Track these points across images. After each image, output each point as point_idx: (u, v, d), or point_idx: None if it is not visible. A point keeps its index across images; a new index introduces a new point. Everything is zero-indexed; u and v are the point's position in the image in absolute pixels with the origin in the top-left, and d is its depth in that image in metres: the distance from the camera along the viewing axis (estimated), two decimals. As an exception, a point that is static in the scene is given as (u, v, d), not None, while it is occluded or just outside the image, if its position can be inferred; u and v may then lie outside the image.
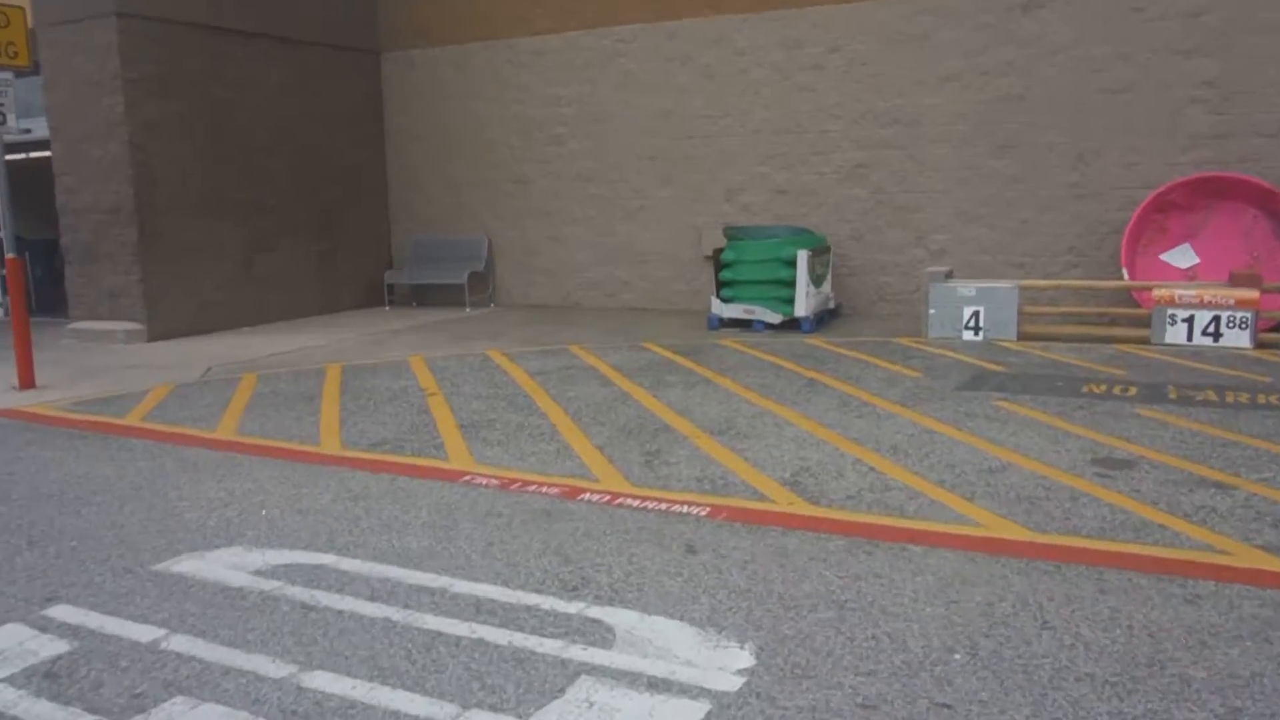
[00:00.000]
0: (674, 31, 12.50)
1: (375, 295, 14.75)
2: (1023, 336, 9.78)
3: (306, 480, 5.76)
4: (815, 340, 10.16)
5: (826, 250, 11.17)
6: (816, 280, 10.75)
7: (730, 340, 10.34)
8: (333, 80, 13.89)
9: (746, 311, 10.85)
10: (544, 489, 5.46)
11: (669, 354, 9.59)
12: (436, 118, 14.35)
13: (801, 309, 10.56)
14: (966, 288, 9.80)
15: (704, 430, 6.61)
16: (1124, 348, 9.30)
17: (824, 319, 11.14)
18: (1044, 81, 10.67)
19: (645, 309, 13.26)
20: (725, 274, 10.91)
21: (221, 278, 12.37)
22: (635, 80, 12.84)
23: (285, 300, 13.26)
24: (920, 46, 11.18)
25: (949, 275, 10.24)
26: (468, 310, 13.86)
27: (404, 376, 8.84)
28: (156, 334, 11.59)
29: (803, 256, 10.41)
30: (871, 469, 5.65)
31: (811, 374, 8.40)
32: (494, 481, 5.62)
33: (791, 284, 10.60)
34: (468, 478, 5.71)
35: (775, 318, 10.69)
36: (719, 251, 11.08)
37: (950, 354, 9.16)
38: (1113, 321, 10.31)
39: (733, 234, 11.03)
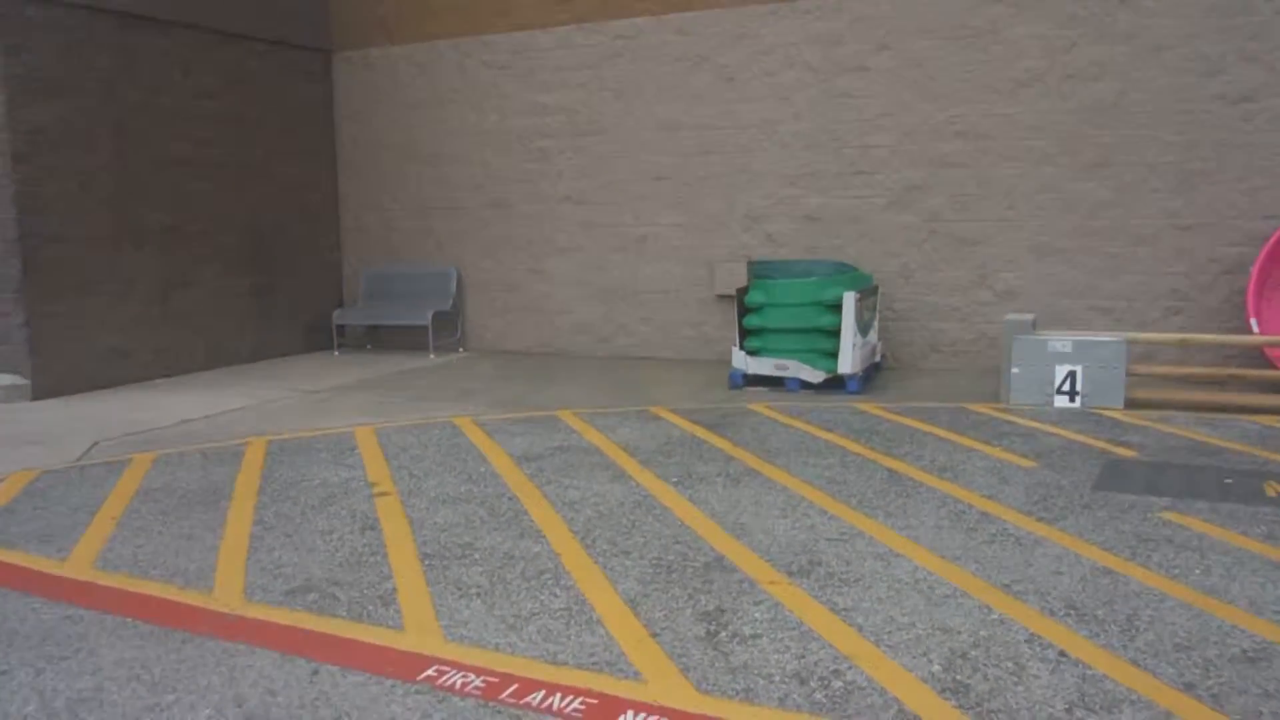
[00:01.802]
0: (685, 26, 10.48)
1: (322, 338, 12.56)
2: (1130, 404, 7.81)
3: (176, 675, 3.62)
4: (869, 405, 8.13)
5: (874, 291, 9.16)
6: (863, 328, 8.74)
7: (763, 405, 8.28)
8: (273, 82, 11.74)
9: (779, 367, 8.79)
10: (556, 701, 3.36)
11: (690, 426, 7.51)
12: (398, 128, 12.23)
13: (848, 364, 8.54)
14: (1061, 341, 7.82)
15: (778, 568, 4.53)
16: (1269, 420, 7.34)
17: (870, 375, 9.12)
18: (1144, 86, 8.74)
19: (647, 358, 11.16)
20: (751, 320, 8.86)
21: (130, 320, 10.15)
22: (637, 85, 10.80)
23: (210, 346, 11.05)
24: (989, 44, 9.22)
25: (1035, 325, 8.25)
26: (432, 357, 11.71)
27: (348, 460, 6.70)
28: (45, 390, 9.36)
29: (849, 299, 8.40)
30: (1062, 654, 3.61)
31: (889, 461, 6.35)
32: (475, 683, 3.51)
33: (835, 333, 8.59)
34: (432, 671, 3.60)
35: (816, 376, 8.64)
36: (743, 292, 9.04)
37: (1053, 430, 7.15)
38: (1226, 383, 8.37)
39: (760, 271, 9.00)
